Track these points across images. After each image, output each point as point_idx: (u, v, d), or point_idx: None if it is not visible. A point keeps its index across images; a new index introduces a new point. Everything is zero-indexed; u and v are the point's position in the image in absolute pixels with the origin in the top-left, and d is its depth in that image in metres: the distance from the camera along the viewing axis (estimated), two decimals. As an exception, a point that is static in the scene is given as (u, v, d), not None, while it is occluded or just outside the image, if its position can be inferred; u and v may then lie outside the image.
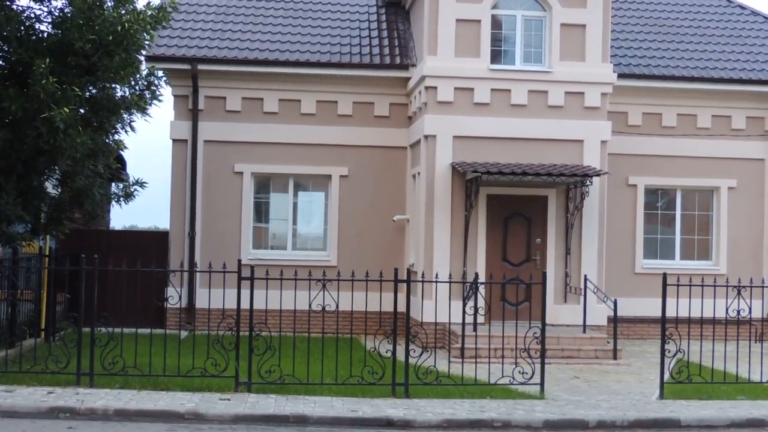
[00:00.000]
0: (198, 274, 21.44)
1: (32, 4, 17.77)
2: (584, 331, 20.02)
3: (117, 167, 21.37)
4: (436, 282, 15.79)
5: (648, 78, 23.23)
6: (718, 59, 24.16)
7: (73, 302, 17.77)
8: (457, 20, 20.93)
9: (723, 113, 23.70)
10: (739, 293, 15.51)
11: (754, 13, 26.43)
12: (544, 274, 15.95)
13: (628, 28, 25.13)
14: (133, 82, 18.57)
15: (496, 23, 21.29)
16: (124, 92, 18.50)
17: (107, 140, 18.80)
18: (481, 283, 17.40)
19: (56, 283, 18.89)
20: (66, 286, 19.10)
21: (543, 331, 15.32)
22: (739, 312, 15.45)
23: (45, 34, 17.63)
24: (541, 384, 15.16)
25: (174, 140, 22.75)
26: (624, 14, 25.62)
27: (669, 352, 15.50)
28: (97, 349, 14.74)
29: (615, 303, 19.32)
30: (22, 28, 17.09)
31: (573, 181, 20.74)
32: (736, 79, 23.54)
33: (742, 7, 26.61)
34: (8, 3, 17.18)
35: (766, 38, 25.31)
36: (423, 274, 20.11)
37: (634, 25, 25.32)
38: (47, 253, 19.03)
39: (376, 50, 23.30)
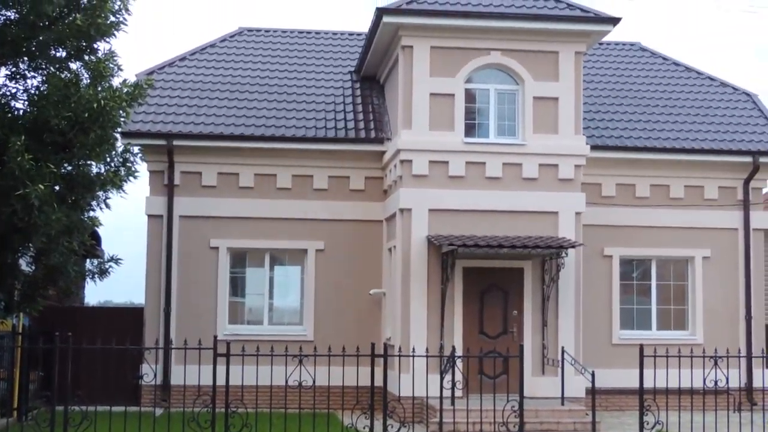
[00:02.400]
0: (173, 351, 21.26)
1: (8, 82, 17.85)
2: (563, 404, 19.94)
3: (92, 244, 21.27)
4: (413, 356, 15.75)
5: (620, 149, 23.45)
6: (689, 130, 24.44)
7: (46, 380, 17.61)
8: (431, 94, 21.14)
9: (695, 183, 23.90)
10: (716, 363, 15.53)
11: (723, 84, 26.81)
12: (521, 347, 15.94)
13: (600, 100, 25.42)
14: (108, 159, 18.52)
15: (469, 97, 21.49)
16: (100, 169, 18.44)
17: (82, 217, 18.71)
18: (459, 357, 17.35)
19: (29, 362, 18.70)
20: (39, 364, 18.90)
21: (521, 404, 15.27)
22: (716, 382, 15.46)
23: (21, 112, 17.65)
24: (520, 458, 15.07)
25: (149, 216, 22.72)
26: (596, 87, 25.93)
27: (648, 423, 15.45)
28: (71, 428, 14.56)
29: (593, 374, 19.22)
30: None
31: (548, 253, 20.81)
32: (707, 150, 23.78)
33: (712, 78, 26.99)
34: (-17, 82, 17.25)
35: (735, 108, 25.66)
36: (400, 348, 19.96)
37: (605, 97, 25.62)
38: (20, 331, 18.86)
39: (351, 124, 23.45)
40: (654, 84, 26.47)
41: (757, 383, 23.18)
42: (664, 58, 27.76)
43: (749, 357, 22.21)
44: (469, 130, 21.41)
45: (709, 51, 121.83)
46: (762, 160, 23.76)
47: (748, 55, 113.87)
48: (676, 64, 27.50)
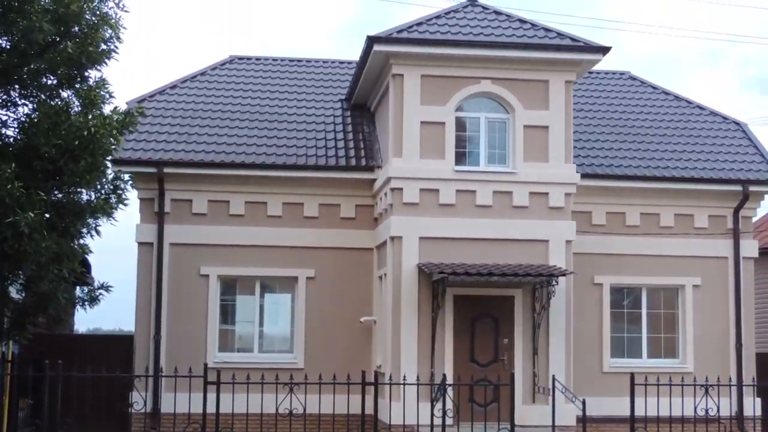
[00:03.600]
0: (163, 378, 21.20)
1: (-1, 110, 17.91)
2: (553, 432, 19.95)
3: (82, 271, 21.28)
4: (404, 384, 15.75)
5: (611, 178, 23.54)
6: (679, 159, 24.56)
7: (36, 408, 17.55)
8: (422, 122, 21.24)
9: (686, 212, 23.99)
10: (706, 392, 15.58)
11: (713, 113, 26.98)
12: (512, 375, 15.96)
13: (590, 128, 25.52)
14: (99, 186, 18.57)
15: (460, 125, 21.61)
16: (90, 196, 18.48)
17: (72, 244, 18.71)
18: (449, 385, 17.36)
19: (19, 389, 18.66)
20: (29, 391, 18.85)
21: (512, 432, 15.27)
22: (707, 410, 15.50)
23: (11, 139, 17.69)
24: (511, 487, 15.06)
25: (139, 243, 22.72)
26: (586, 115, 26.05)
27: (639, 452, 15.46)
28: (61, 456, 14.53)
29: (584, 403, 19.25)
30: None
31: (539, 281, 20.86)
32: (697, 179, 23.89)
33: (701, 108, 27.15)
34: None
35: (725, 138, 25.80)
36: (390, 376, 20.03)
37: (596, 126, 25.73)
38: (10, 358, 18.82)
39: (341, 152, 23.53)
40: (644, 113, 26.62)
41: (747, 412, 23.20)
42: (654, 87, 27.93)
43: (740, 385, 22.25)
44: (460, 158, 21.51)
45: (695, 82, 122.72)
46: (752, 188, 23.89)
47: (732, 87, 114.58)
48: (666, 93, 27.68)
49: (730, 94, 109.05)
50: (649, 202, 23.83)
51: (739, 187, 23.85)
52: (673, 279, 23.87)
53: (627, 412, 15.70)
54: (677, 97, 27.52)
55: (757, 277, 25.37)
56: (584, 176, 22.45)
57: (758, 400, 23.09)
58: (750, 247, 24.25)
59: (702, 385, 15.78)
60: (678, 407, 15.55)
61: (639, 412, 15.37)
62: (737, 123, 26.61)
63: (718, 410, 15.98)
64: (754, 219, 25.65)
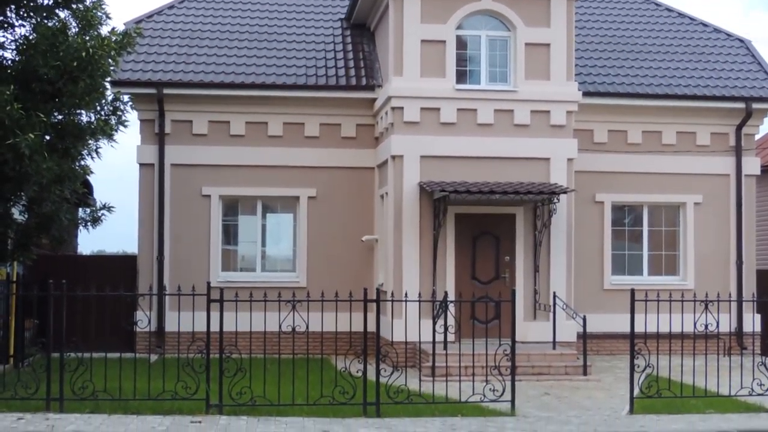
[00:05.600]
0: (167, 297, 21.44)
1: (-5, 31, 17.80)
2: (554, 348, 20.18)
3: (84, 192, 21.31)
4: (406, 301, 15.86)
5: (613, 96, 23.50)
6: (682, 76, 24.46)
7: (41, 328, 17.72)
8: (422, 41, 21.13)
9: (688, 129, 23.99)
10: (706, 307, 15.68)
11: (717, 30, 26.80)
12: (513, 292, 16.05)
13: (593, 46, 25.41)
14: (98, 108, 18.53)
15: (461, 43, 21.50)
16: (90, 118, 18.45)
17: (73, 166, 18.74)
18: (451, 302, 17.50)
19: (24, 309, 18.83)
20: (34, 311, 19.03)
21: (513, 348, 15.44)
22: (707, 326, 15.63)
23: (9, 61, 17.62)
24: (512, 401, 15.27)
25: (141, 164, 22.78)
26: (588, 33, 25.90)
27: (638, 367, 15.63)
28: (67, 374, 14.72)
29: (584, 319, 19.49)
30: (-15, 55, 17.10)
31: (540, 199, 20.93)
32: (699, 96, 23.83)
33: (705, 24, 26.98)
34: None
35: (728, 55, 25.68)
36: (392, 294, 20.22)
37: (598, 43, 25.60)
38: (15, 279, 18.98)
39: (342, 72, 23.46)
40: (647, 30, 26.47)
41: (747, 328, 23.46)
42: (657, 4, 27.73)
43: (740, 301, 22.43)
44: (461, 76, 21.45)
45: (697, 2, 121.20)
46: (755, 106, 23.87)
47: (736, 7, 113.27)
48: (669, 9, 27.48)
49: (734, 13, 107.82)
50: (651, 120, 23.81)
51: (741, 105, 23.81)
52: (674, 197, 23.95)
53: (627, 329, 15.81)
54: (681, 14, 27.32)
55: (759, 195, 25.45)
56: (586, 94, 22.39)
57: (758, 317, 23.32)
58: (752, 165, 24.29)
59: (702, 301, 15.88)
60: (678, 323, 15.68)
61: (639, 328, 15.50)
62: (741, 40, 26.45)
63: (718, 326, 16.10)
64: (757, 136, 25.63)
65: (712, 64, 25.22)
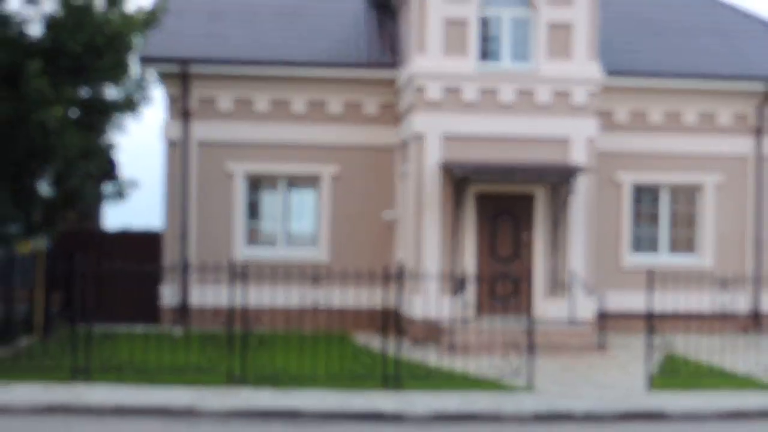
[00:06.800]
0: (192, 272, 21.55)
1: (24, 7, 17.87)
2: (572, 325, 20.23)
3: (109, 168, 21.50)
4: (426, 278, 15.95)
5: (634, 75, 23.41)
6: (703, 57, 24.36)
7: (68, 301, 17.90)
8: (446, 20, 21.11)
9: (708, 110, 23.90)
10: (724, 287, 15.70)
11: (739, 11, 26.66)
12: (532, 270, 16.12)
13: (615, 25, 25.29)
14: (124, 83, 18.65)
15: (483, 23, 21.46)
16: (116, 93, 18.58)
17: (99, 141, 18.89)
18: (470, 280, 17.58)
19: (51, 283, 19.01)
20: (61, 285, 19.21)
21: (531, 325, 15.52)
22: (724, 305, 15.66)
23: (37, 37, 17.73)
24: (530, 377, 15.37)
25: (167, 141, 22.90)
26: (610, 12, 25.80)
27: (655, 345, 15.68)
28: (93, 346, 14.89)
29: (602, 298, 19.51)
30: (14, 30, 17.19)
31: (560, 179, 20.93)
32: (721, 76, 23.72)
33: (727, 6, 26.83)
34: None
35: (749, 36, 25.55)
36: (413, 271, 20.30)
37: (620, 22, 25.49)
38: (42, 253, 19.17)
39: (365, 50, 23.48)
40: (669, 10, 26.33)
41: (764, 308, 23.37)
42: (679, -16, 27.58)
43: (757, 281, 22.38)
44: (483, 56, 21.42)
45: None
46: (775, 86, 23.77)
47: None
48: (691, -10, 27.33)
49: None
50: (672, 100, 23.72)
51: (762, 85, 23.70)
52: (693, 177, 23.90)
53: (644, 308, 15.87)
54: (703, -5, 27.18)
55: (778, 176, 25.34)
56: (607, 74, 22.33)
57: (775, 297, 23.28)
58: (772, 146, 24.22)
59: (720, 281, 15.92)
60: (695, 303, 15.73)
61: (657, 307, 15.55)
62: (763, 22, 26.29)
63: (735, 305, 16.13)
64: (777, 117, 25.51)
65: (734, 44, 25.09)
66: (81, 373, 14.87)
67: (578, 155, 21.21)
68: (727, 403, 14.61)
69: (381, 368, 14.99)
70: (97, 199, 20.32)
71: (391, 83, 23.08)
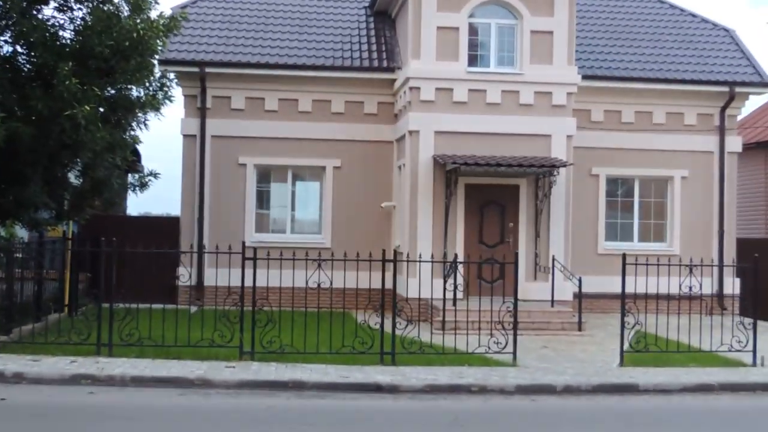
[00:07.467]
0: (206, 255, 21.43)
1: (56, 13, 17.66)
2: (552, 306, 20.07)
3: (133, 160, 21.25)
4: (420, 262, 15.81)
5: (609, 79, 23.27)
6: (672, 62, 24.17)
7: (93, 281, 17.72)
8: (438, 27, 20.93)
9: (676, 110, 23.74)
10: (691, 272, 15.55)
11: (704, 20, 26.41)
12: (516, 255, 15.96)
13: (591, 34, 25.10)
14: (147, 84, 18.43)
15: (472, 30, 21.28)
16: (139, 93, 18.37)
17: (124, 136, 18.71)
18: (460, 263, 17.41)
19: (78, 264, 18.83)
20: (87, 266, 19.03)
21: (515, 305, 15.34)
22: (691, 288, 15.49)
23: (68, 41, 17.51)
24: (514, 353, 15.18)
25: (184, 136, 22.74)
26: (587, 21, 25.58)
27: (628, 324, 15.53)
28: (115, 322, 14.72)
29: (580, 280, 19.35)
30: (47, 35, 16.95)
31: (542, 172, 20.75)
32: (688, 80, 23.59)
33: (693, 15, 26.59)
34: (34, 13, 17.09)
35: (714, 43, 25.32)
36: (408, 255, 20.09)
37: (596, 31, 25.29)
38: (70, 236, 18.98)
39: (365, 55, 23.28)
40: (641, 19, 26.09)
41: (727, 290, 23.25)
42: (651, -5, 27.32)
43: (721, 266, 22.25)
44: (472, 60, 21.24)
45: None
46: (737, 89, 23.59)
47: (740, 2, 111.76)
48: (661, 1, 27.06)
49: (737, 11, 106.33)
50: (644, 101, 23.57)
51: (726, 88, 23.53)
52: (663, 171, 23.75)
53: (618, 290, 15.68)
54: (672, 6, 26.91)
55: (740, 170, 25.20)
56: (585, 77, 22.13)
57: (737, 280, 23.07)
58: (734, 143, 24.04)
59: (687, 266, 15.73)
60: (665, 286, 15.56)
61: (629, 289, 15.36)
62: (726, 29, 26.07)
63: (701, 288, 15.93)
64: (739, 117, 25.34)
65: (699, 51, 24.88)
66: (104, 346, 14.69)
67: (558, 150, 21.02)
68: (693, 377, 14.46)
69: (378, 344, 14.81)
70: (121, 188, 20.12)
71: (389, 84, 22.87)
